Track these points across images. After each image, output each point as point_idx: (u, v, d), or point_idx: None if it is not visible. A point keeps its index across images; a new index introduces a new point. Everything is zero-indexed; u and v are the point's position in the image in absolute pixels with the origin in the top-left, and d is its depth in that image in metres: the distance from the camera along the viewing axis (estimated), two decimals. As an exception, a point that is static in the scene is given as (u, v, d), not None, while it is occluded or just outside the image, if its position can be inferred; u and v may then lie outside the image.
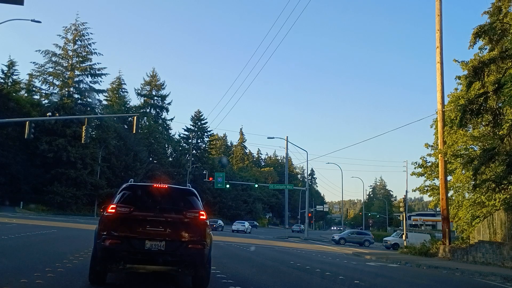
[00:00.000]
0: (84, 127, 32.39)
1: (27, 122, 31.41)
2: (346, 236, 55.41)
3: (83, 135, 32.35)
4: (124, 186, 9.92)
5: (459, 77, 31.03)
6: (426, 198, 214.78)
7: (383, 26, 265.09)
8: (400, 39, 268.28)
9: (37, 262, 12.37)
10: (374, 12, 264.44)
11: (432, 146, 34.73)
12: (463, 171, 27.91)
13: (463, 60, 30.87)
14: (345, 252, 35.48)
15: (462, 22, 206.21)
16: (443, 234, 30.04)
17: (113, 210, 9.05)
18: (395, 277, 18.00)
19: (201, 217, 9.40)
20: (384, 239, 53.89)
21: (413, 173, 34.83)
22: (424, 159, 34.71)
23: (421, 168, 34.79)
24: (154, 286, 10.28)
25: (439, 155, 29.53)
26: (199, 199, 10.03)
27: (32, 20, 31.17)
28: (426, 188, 34.95)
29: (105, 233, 8.82)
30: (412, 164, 35.11)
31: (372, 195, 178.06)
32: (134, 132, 36.09)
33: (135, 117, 32.88)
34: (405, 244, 37.93)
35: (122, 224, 8.90)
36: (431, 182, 35.12)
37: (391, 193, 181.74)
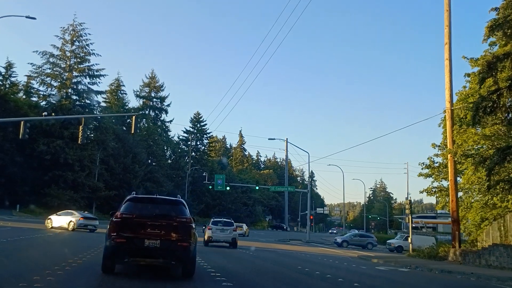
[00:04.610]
0: (81, 127, 31.38)
1: (22, 122, 30.42)
2: (348, 239, 54.30)
3: (79, 135, 31.34)
4: (128, 197, 12.30)
5: (468, 74, 30.13)
6: (426, 200, 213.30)
7: (383, 28, 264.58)
8: (401, 40, 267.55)
9: (32, 267, 11.38)
10: (374, 13, 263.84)
11: (439, 146, 33.69)
12: (475, 172, 26.85)
13: (472, 57, 30.08)
14: (350, 255, 34.47)
15: (465, 20, 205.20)
16: (453, 237, 29.02)
17: (120, 216, 11.44)
18: (409, 282, 17.11)
19: (188, 221, 11.74)
20: (387, 241, 52.88)
21: (420, 174, 33.79)
22: (432, 159, 33.67)
23: (428, 169, 33.74)
24: (152, 274, 12.42)
25: (449, 155, 28.52)
26: (187, 207, 12.40)
27: (27, 17, 30.23)
28: (433, 190, 33.87)
29: (114, 234, 11.15)
30: (419, 164, 34.04)
31: (372, 197, 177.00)
32: (132, 132, 35.08)
33: (134, 117, 31.92)
34: (410, 247, 36.93)
35: (127, 227, 11.25)
36: (438, 183, 34.07)
37: (391, 195, 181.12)
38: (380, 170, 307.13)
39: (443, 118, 32.84)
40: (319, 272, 16.91)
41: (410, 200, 38.92)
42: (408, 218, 38.46)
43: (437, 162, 33.53)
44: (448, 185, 33.19)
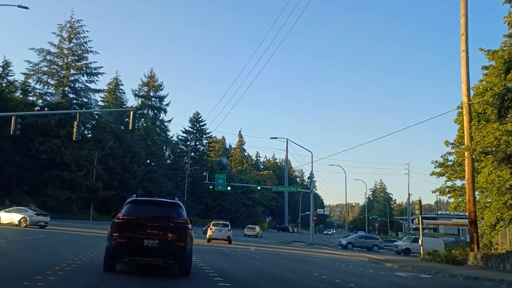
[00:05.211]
0: (76, 122, 29.69)
1: (13, 117, 28.80)
2: (354, 241, 52.69)
3: (74, 131, 29.62)
4: (129, 200, 13.08)
5: (486, 67, 28.53)
6: (424, 201, 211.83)
7: (384, 27, 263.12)
8: (402, 40, 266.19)
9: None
10: (375, 13, 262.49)
11: (452, 143, 32.01)
12: (495, 170, 25.17)
13: (489, 49, 28.52)
14: (360, 258, 32.81)
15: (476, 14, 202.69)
16: (470, 239, 27.33)
17: (121, 218, 12.05)
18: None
19: (184, 222, 12.31)
20: (394, 243, 51.30)
21: (433, 173, 31.99)
22: (446, 157, 31.98)
23: (441, 167, 32.05)
24: (151, 273, 12.86)
25: (466, 152, 26.84)
26: (184, 209, 12.99)
27: (19, 6, 28.65)
28: (447, 189, 32.18)
29: (115, 234, 11.75)
30: (432, 163, 32.26)
31: (372, 198, 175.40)
32: (130, 128, 33.29)
33: (132, 112, 30.12)
34: (422, 250, 35.31)
35: (128, 228, 11.87)
36: (452, 182, 32.39)
37: (391, 196, 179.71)
38: (380, 170, 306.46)
39: (458, 114, 31.24)
40: (339, 280, 15.27)
41: (420, 201, 37.13)
42: (418, 219, 36.79)
43: (451, 160, 31.90)
44: (462, 184, 31.69)
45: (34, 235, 25.45)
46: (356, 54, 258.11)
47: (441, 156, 32.07)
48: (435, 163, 31.92)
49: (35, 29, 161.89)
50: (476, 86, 29.47)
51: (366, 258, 32.69)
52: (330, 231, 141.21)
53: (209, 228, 39.21)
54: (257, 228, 65.17)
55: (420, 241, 36.27)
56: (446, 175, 31.91)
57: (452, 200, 33.67)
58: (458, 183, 32.82)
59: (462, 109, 28.55)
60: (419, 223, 37.10)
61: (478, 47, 29.17)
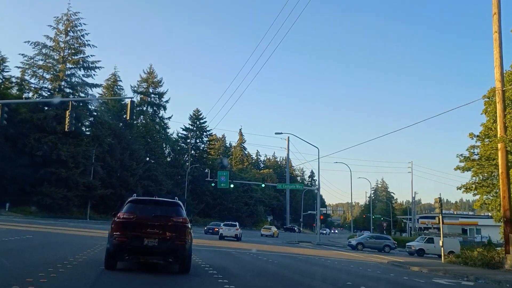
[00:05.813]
0: (67, 112, 27.14)
1: (-1, 105, 26.29)
2: (364, 241, 50.19)
3: (66, 121, 27.08)
4: (129, 199, 13.23)
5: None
6: (424, 200, 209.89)
7: (385, 24, 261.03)
8: (401, 41, 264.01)
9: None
10: (375, 12, 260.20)
11: (478, 136, 29.54)
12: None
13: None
14: (378, 261, 30.28)
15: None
16: (505, 240, 24.73)
17: (122, 217, 12.36)
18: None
19: (184, 222, 12.52)
20: (407, 244, 48.77)
21: (457, 167, 29.52)
22: (472, 151, 29.46)
23: (465, 161, 29.53)
24: (151, 271, 12.88)
25: (499, 144, 24.28)
26: (183, 208, 13.15)
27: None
28: (474, 185, 29.65)
29: (116, 233, 12.06)
30: (457, 156, 29.83)
31: (374, 197, 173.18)
32: (128, 118, 30.77)
33: (129, 101, 27.59)
34: (442, 251, 32.76)
35: (128, 227, 12.19)
36: (478, 178, 29.85)
37: (393, 195, 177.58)
38: (382, 169, 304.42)
39: (485, 104, 28.74)
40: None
41: (440, 198, 34.53)
42: (439, 218, 34.15)
43: (477, 154, 29.39)
44: (490, 179, 29.25)
45: (12, 236, 22.75)
46: (357, 53, 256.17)
47: (467, 150, 29.57)
48: (460, 156, 29.46)
49: (33, 26, 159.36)
50: (508, 72, 26.94)
51: (385, 261, 30.18)
52: (325, 230, 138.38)
53: (220, 228, 47.81)
54: (273, 228, 70.39)
55: (440, 242, 33.58)
56: (472, 169, 29.38)
57: (476, 197, 31.04)
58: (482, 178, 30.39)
59: (492, 96, 26.13)
60: (439, 222, 34.35)
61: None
